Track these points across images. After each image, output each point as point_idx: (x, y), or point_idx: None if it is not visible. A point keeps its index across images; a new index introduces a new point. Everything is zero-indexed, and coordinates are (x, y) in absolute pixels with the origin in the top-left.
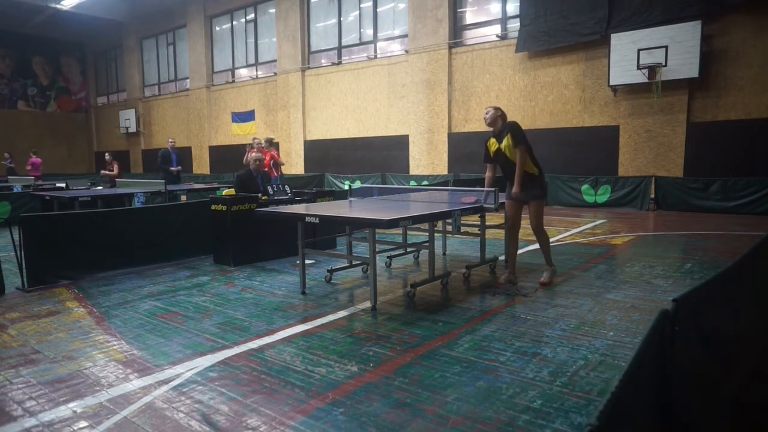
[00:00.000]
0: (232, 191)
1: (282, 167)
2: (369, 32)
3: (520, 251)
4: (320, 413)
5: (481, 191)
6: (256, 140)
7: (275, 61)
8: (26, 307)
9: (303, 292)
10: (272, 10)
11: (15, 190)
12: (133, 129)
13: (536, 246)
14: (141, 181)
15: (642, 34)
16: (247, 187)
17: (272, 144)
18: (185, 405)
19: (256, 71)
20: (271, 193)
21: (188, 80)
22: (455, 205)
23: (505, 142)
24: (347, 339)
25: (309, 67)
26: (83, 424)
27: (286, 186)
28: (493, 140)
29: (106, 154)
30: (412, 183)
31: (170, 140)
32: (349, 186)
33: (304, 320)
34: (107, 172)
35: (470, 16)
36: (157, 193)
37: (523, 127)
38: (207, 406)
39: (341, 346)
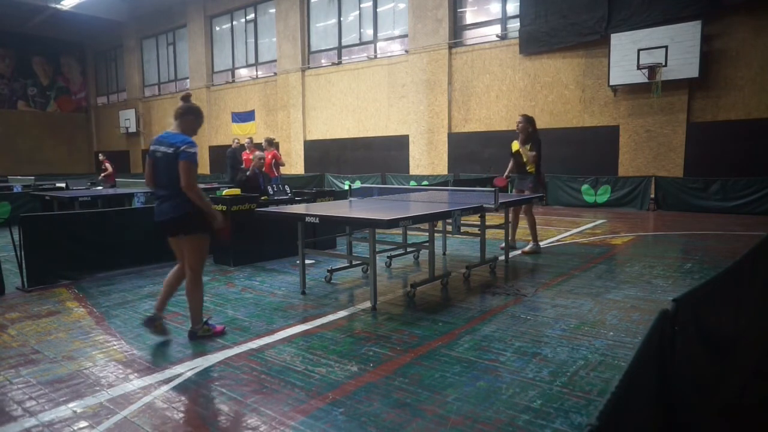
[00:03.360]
0: (232, 191)
1: (282, 167)
2: (369, 32)
3: (519, 251)
4: (320, 413)
5: (481, 191)
6: (247, 140)
7: (275, 61)
8: (26, 307)
9: (303, 292)
10: (272, 10)
11: (15, 190)
12: (133, 129)
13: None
14: (141, 181)
15: (642, 34)
16: (250, 187)
17: (272, 144)
18: (185, 405)
19: (256, 71)
20: (271, 193)
21: (188, 80)
22: (455, 205)
23: (525, 148)
24: (347, 339)
25: (309, 67)
26: (83, 424)
27: (286, 186)
28: (515, 142)
29: (100, 154)
30: (412, 183)
31: (236, 139)
32: (349, 186)
33: (304, 320)
34: (106, 172)
35: (470, 16)
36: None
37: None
38: (207, 406)
39: (341, 346)
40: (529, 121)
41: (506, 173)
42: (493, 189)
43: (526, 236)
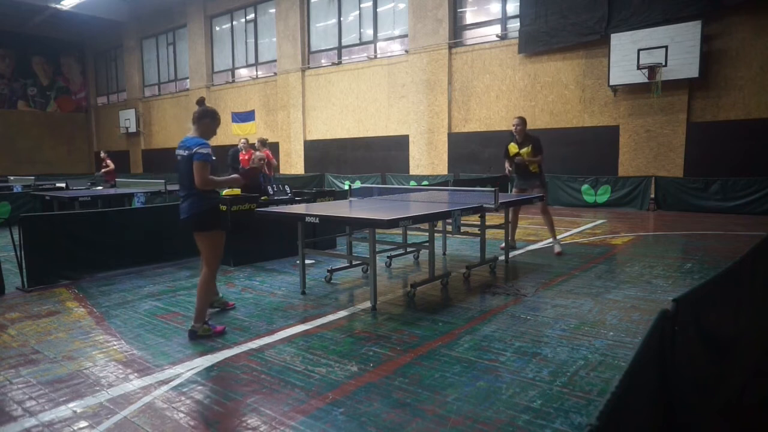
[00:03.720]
0: (232, 191)
1: (274, 167)
2: (369, 32)
3: (520, 251)
4: (320, 413)
5: (481, 191)
6: (243, 141)
7: (275, 61)
8: (26, 307)
9: (303, 292)
10: (272, 10)
11: (15, 190)
12: (133, 129)
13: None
14: (141, 181)
15: (642, 34)
16: (250, 187)
17: (264, 144)
18: (185, 405)
19: (256, 71)
20: (271, 193)
21: (188, 80)
22: (455, 205)
23: (525, 150)
24: (347, 339)
25: (309, 67)
26: (83, 424)
27: (286, 186)
28: (513, 145)
29: (102, 152)
30: (412, 183)
31: (242, 139)
32: (349, 186)
33: (304, 320)
34: (107, 169)
35: (470, 16)
36: (157, 193)
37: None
38: (207, 406)
39: (341, 346)
40: (525, 122)
41: (507, 169)
42: (493, 189)
43: (525, 236)
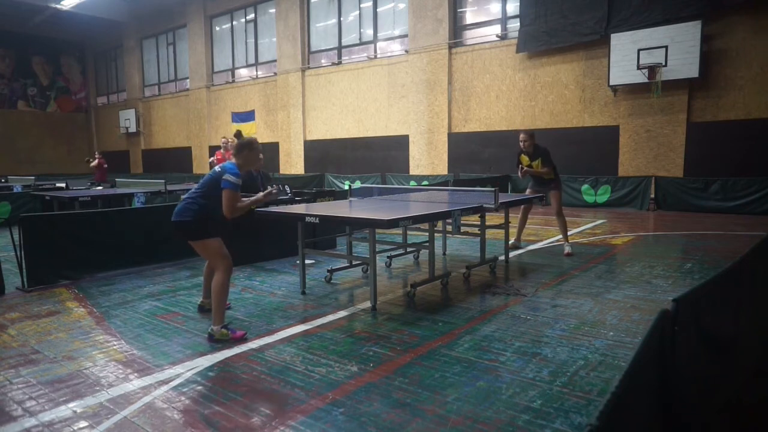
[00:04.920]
0: None
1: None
2: (369, 32)
3: (520, 252)
4: (320, 413)
5: (480, 191)
6: (223, 140)
7: (275, 61)
8: (26, 307)
9: (303, 292)
10: (272, 10)
11: (15, 190)
12: (133, 129)
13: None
14: (141, 181)
15: (642, 34)
16: (247, 187)
17: None
18: (185, 405)
19: (256, 71)
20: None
21: (188, 80)
22: (455, 205)
23: (536, 162)
24: (347, 339)
25: (309, 67)
26: (83, 424)
27: (286, 186)
28: (525, 156)
29: (96, 152)
30: (412, 183)
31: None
32: (349, 186)
33: (304, 320)
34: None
35: (470, 16)
36: (157, 193)
37: (523, 127)
38: (207, 406)
39: (341, 346)
40: (532, 136)
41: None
42: (493, 189)
43: (525, 236)
